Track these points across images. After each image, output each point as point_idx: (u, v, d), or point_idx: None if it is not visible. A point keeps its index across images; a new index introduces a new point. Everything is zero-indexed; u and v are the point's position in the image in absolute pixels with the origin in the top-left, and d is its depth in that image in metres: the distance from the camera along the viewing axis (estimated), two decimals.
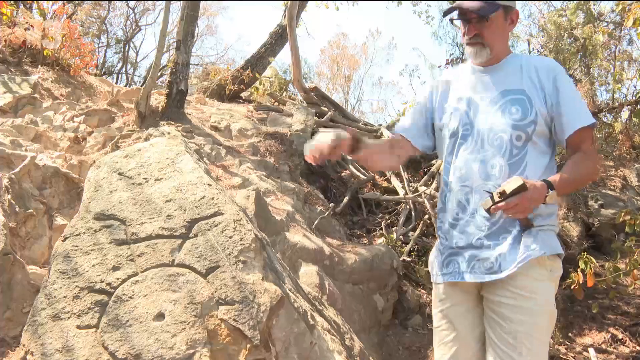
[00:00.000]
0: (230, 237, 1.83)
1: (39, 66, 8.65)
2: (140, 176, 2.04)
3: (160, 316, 1.66)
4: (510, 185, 2.03)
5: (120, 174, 2.04)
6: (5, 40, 8.77)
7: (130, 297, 1.74)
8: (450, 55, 7.49)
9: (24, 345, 1.82)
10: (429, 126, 2.51)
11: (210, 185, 1.97)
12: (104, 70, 19.41)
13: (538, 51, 7.04)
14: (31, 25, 9.09)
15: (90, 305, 1.71)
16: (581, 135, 2.22)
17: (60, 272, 1.77)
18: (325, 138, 2.18)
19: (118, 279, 1.77)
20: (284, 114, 8.24)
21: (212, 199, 1.92)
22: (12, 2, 9.36)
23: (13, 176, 4.43)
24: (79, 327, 1.67)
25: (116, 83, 16.64)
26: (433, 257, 2.45)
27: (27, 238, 4.31)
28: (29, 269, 3.89)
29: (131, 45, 21.70)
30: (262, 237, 1.99)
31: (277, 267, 2.03)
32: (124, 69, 21.22)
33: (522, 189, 2.02)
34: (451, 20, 2.35)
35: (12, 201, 4.24)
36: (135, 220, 1.90)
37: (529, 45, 6.86)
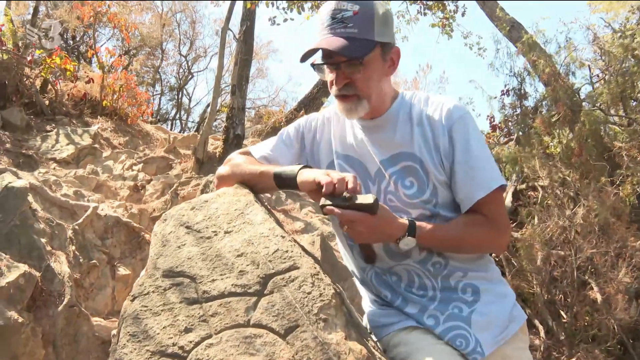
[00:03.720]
0: (309, 293, 1.69)
1: (99, 117, 8.92)
2: (209, 229, 1.94)
3: None
4: (362, 199, 1.63)
5: (187, 227, 1.95)
6: (68, 94, 9.10)
7: None
8: (506, 85, 7.25)
9: None
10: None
11: (283, 237, 1.85)
12: (158, 117, 19.98)
13: (598, 76, 6.76)
14: (91, 79, 9.41)
15: None
16: (481, 203, 1.77)
17: (130, 334, 1.66)
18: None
19: (191, 341, 1.65)
20: None
21: (286, 251, 1.80)
22: (74, 58, 9.73)
23: (77, 227, 4.47)
24: None
25: (170, 129, 17.07)
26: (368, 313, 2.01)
27: (91, 289, 4.31)
28: (93, 320, 3.87)
29: (184, 92, 22.34)
30: (340, 291, 1.85)
31: (357, 322, 1.88)
32: (177, 116, 21.82)
33: (369, 209, 1.62)
34: (313, 65, 1.83)
35: (76, 252, 4.26)
36: (206, 277, 1.79)
37: (589, 70, 6.58)
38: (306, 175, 1.76)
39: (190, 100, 23.28)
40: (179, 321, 1.68)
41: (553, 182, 4.70)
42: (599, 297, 4.33)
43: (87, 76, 9.26)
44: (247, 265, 1.80)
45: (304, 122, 2.07)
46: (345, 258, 2.13)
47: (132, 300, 1.81)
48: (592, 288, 4.47)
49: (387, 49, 1.80)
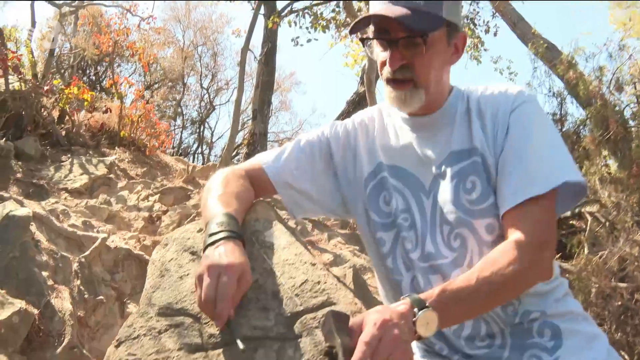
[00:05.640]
0: None
1: (116, 147, 8.67)
2: None
3: None
4: (324, 331, 1.15)
5: (193, 253, 1.54)
6: (85, 125, 8.88)
7: None
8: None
9: None
10: (323, 185, 1.63)
11: (313, 264, 1.43)
12: (180, 151, 19.83)
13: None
14: (109, 109, 9.22)
15: None
16: (517, 214, 1.33)
17: None
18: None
19: None
20: None
21: (318, 283, 1.37)
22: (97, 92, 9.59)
23: (83, 260, 4.10)
24: None
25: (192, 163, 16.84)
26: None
27: (96, 328, 3.90)
28: None
29: (206, 125, 22.22)
30: None
31: None
32: (199, 149, 21.66)
33: (339, 321, 1.12)
34: (362, 40, 1.54)
35: (81, 287, 3.87)
36: None
37: (635, 87, 6.08)
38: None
39: (212, 134, 23.16)
40: None
41: (609, 207, 4.21)
42: None
43: (105, 106, 9.05)
44: (268, 300, 1.38)
45: (329, 130, 1.68)
46: (386, 298, 1.67)
47: (117, 347, 1.39)
48: None
49: (453, 32, 1.45)
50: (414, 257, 1.49)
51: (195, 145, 21.74)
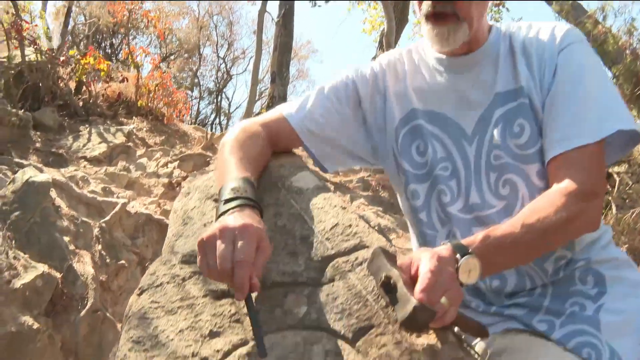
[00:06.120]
0: None
1: (134, 117, 8.64)
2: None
3: None
4: (372, 267, 1.10)
5: (216, 200, 1.47)
6: (102, 95, 8.86)
7: None
8: None
9: None
10: (352, 132, 1.52)
11: (343, 208, 1.35)
12: (197, 122, 19.82)
13: None
14: (125, 78, 9.17)
15: None
16: (565, 161, 1.24)
17: (133, 341, 1.19)
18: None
19: (218, 351, 1.17)
20: None
21: (350, 226, 1.30)
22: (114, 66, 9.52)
23: (104, 225, 4.08)
24: None
25: None
26: None
27: (119, 292, 3.90)
28: (120, 327, 3.48)
29: (223, 95, 22.14)
30: None
31: None
32: (217, 120, 21.62)
33: (389, 257, 1.08)
34: None
35: (102, 252, 3.86)
36: None
37: None
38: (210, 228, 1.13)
39: (230, 104, 23.10)
40: (201, 322, 1.21)
41: None
42: None
43: (122, 76, 8.99)
44: (297, 245, 1.31)
45: (354, 73, 1.54)
46: None
47: (140, 295, 1.33)
48: None
49: None
50: (453, 210, 1.38)
51: (213, 116, 21.72)
